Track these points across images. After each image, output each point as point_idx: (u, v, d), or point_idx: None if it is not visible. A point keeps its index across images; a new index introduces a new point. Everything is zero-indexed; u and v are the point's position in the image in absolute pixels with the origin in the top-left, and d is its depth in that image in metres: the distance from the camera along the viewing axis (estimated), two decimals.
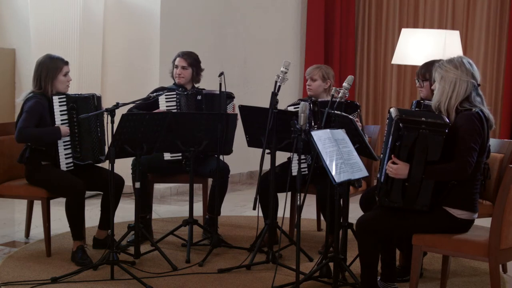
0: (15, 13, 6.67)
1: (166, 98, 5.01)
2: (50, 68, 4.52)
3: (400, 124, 3.52)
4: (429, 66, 4.20)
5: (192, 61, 5.17)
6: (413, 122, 3.52)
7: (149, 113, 4.61)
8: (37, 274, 4.26)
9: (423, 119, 3.52)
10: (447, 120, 3.56)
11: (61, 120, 4.51)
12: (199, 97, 5.04)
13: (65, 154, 4.53)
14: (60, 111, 4.51)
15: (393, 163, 3.57)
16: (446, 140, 3.51)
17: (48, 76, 4.51)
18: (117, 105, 4.25)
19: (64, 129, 4.48)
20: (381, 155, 3.75)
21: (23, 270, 4.34)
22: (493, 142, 4.33)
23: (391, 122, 3.62)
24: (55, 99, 4.50)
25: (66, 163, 4.54)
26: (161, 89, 5.14)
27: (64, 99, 4.54)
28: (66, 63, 4.61)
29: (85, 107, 4.56)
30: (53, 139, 4.48)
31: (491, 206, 4.21)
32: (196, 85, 5.25)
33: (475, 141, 3.52)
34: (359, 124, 4.59)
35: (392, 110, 3.68)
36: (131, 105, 4.89)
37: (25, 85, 6.63)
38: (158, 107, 4.99)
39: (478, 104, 3.62)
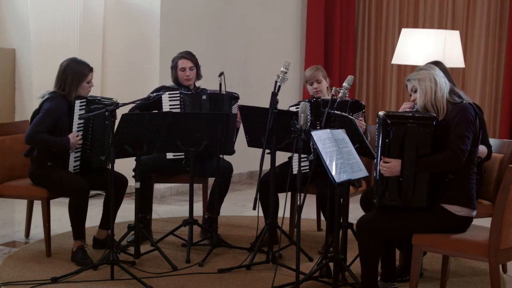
0: (15, 13, 6.66)
1: (169, 97, 4.99)
2: (76, 74, 4.49)
3: (388, 121, 3.61)
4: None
5: (195, 59, 5.15)
6: (400, 117, 3.64)
7: (149, 113, 4.61)
8: (37, 274, 4.26)
9: (410, 114, 3.65)
10: (434, 115, 3.64)
11: (78, 124, 4.48)
12: (204, 97, 5.02)
13: (75, 157, 4.53)
14: (79, 114, 4.49)
15: (385, 162, 3.62)
16: (438, 134, 3.59)
17: (73, 82, 4.48)
18: (117, 105, 4.25)
19: (74, 141, 4.44)
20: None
21: (23, 270, 4.34)
22: (493, 142, 4.34)
23: (379, 123, 3.70)
24: (77, 103, 4.48)
25: (74, 166, 4.54)
26: (163, 88, 5.11)
27: (85, 103, 4.51)
28: (91, 69, 4.59)
29: (103, 113, 4.50)
30: (61, 150, 4.47)
31: (491, 206, 4.21)
32: (197, 84, 5.24)
33: (468, 129, 3.60)
34: (363, 124, 4.60)
35: (380, 113, 3.78)
36: (132, 105, 4.89)
37: (25, 85, 6.63)
38: (160, 106, 4.97)
39: (463, 96, 3.74)
